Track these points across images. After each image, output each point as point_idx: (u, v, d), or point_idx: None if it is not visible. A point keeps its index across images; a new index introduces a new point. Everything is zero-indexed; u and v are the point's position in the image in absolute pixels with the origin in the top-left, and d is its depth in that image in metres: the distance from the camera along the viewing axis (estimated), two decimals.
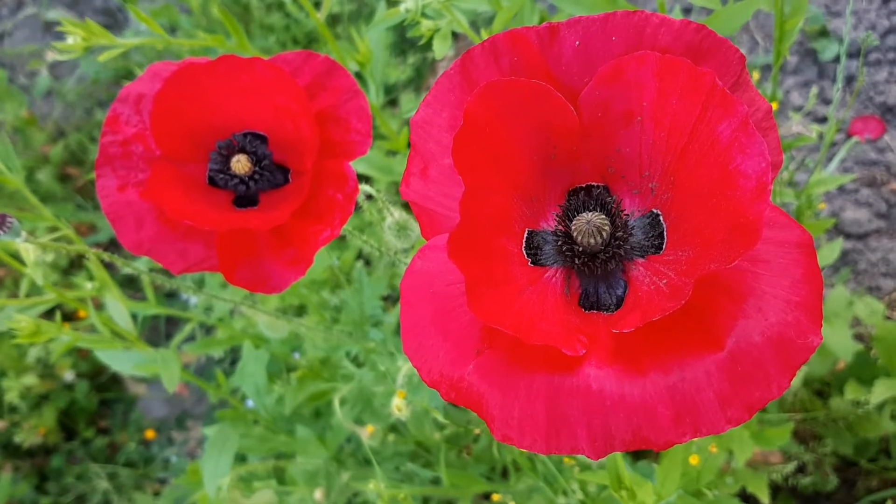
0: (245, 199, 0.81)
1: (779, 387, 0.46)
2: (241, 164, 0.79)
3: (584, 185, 0.56)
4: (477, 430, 1.24)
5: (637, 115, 0.52)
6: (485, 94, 0.50)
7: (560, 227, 0.55)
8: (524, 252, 0.55)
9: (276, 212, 0.77)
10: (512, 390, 0.49)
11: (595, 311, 0.54)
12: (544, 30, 0.53)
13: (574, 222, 0.53)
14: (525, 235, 0.55)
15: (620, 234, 0.53)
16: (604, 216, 0.53)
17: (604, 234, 0.52)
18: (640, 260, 0.54)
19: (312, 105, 0.78)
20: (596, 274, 0.54)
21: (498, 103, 0.51)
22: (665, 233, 0.53)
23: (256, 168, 0.80)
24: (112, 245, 2.29)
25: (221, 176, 0.80)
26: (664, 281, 0.51)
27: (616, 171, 0.55)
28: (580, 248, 0.53)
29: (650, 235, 0.54)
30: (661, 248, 0.53)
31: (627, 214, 0.55)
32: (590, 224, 0.52)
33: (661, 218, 0.54)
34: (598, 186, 0.56)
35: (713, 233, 0.48)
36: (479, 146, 0.50)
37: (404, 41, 2.26)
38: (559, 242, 0.54)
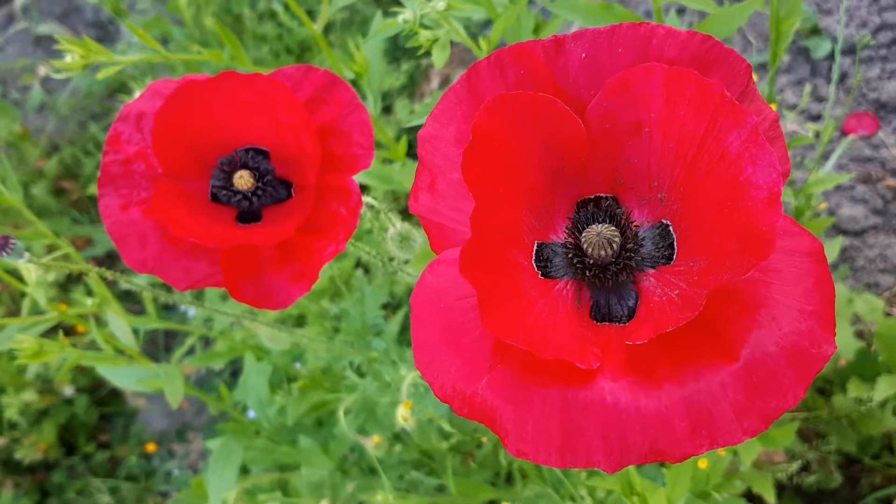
0: (248, 215, 0.81)
1: (794, 397, 0.46)
2: (243, 179, 0.78)
3: (592, 197, 0.56)
4: (484, 439, 1.24)
5: (645, 126, 0.52)
6: (493, 108, 0.50)
7: (570, 240, 0.55)
8: (534, 265, 0.55)
9: (280, 227, 0.76)
10: (525, 405, 0.49)
11: (607, 323, 0.54)
12: (550, 43, 0.53)
13: (584, 234, 0.53)
14: (535, 248, 0.55)
15: (630, 245, 0.53)
16: (614, 227, 0.53)
17: (614, 245, 0.52)
18: (651, 271, 0.54)
19: (314, 119, 0.77)
20: (607, 286, 0.54)
21: (506, 117, 0.50)
22: (675, 243, 0.53)
23: (259, 184, 0.80)
24: (108, 258, 2.28)
25: (224, 192, 0.80)
26: (676, 292, 0.51)
27: (625, 183, 0.55)
28: (591, 260, 0.53)
29: (660, 246, 0.54)
30: (672, 259, 0.53)
31: (637, 225, 0.55)
32: (600, 236, 0.52)
33: (670, 228, 0.54)
34: (606, 198, 0.56)
35: (725, 243, 0.48)
36: (488, 160, 0.50)
37: (397, 48, 2.26)
38: (569, 254, 0.54)
